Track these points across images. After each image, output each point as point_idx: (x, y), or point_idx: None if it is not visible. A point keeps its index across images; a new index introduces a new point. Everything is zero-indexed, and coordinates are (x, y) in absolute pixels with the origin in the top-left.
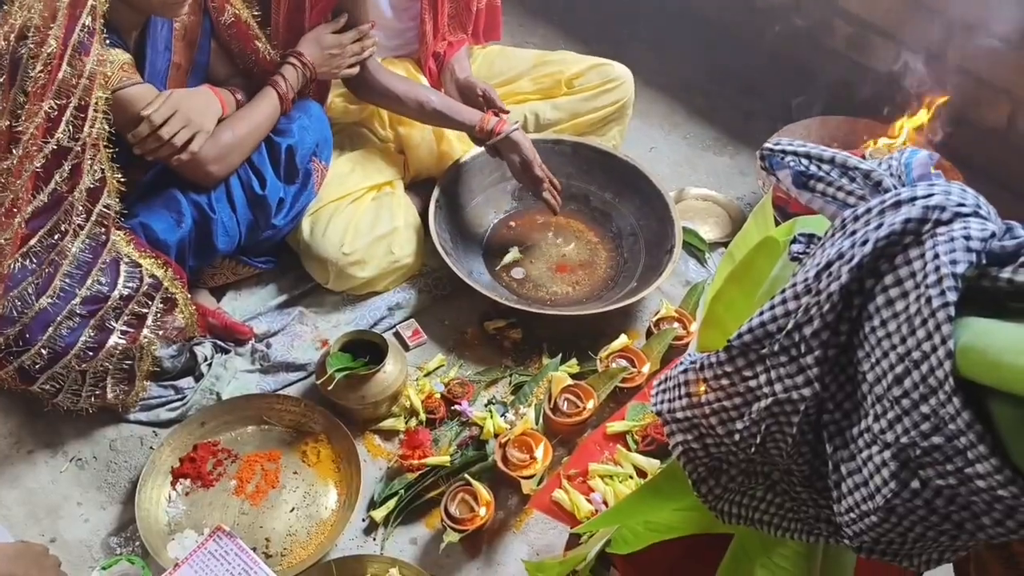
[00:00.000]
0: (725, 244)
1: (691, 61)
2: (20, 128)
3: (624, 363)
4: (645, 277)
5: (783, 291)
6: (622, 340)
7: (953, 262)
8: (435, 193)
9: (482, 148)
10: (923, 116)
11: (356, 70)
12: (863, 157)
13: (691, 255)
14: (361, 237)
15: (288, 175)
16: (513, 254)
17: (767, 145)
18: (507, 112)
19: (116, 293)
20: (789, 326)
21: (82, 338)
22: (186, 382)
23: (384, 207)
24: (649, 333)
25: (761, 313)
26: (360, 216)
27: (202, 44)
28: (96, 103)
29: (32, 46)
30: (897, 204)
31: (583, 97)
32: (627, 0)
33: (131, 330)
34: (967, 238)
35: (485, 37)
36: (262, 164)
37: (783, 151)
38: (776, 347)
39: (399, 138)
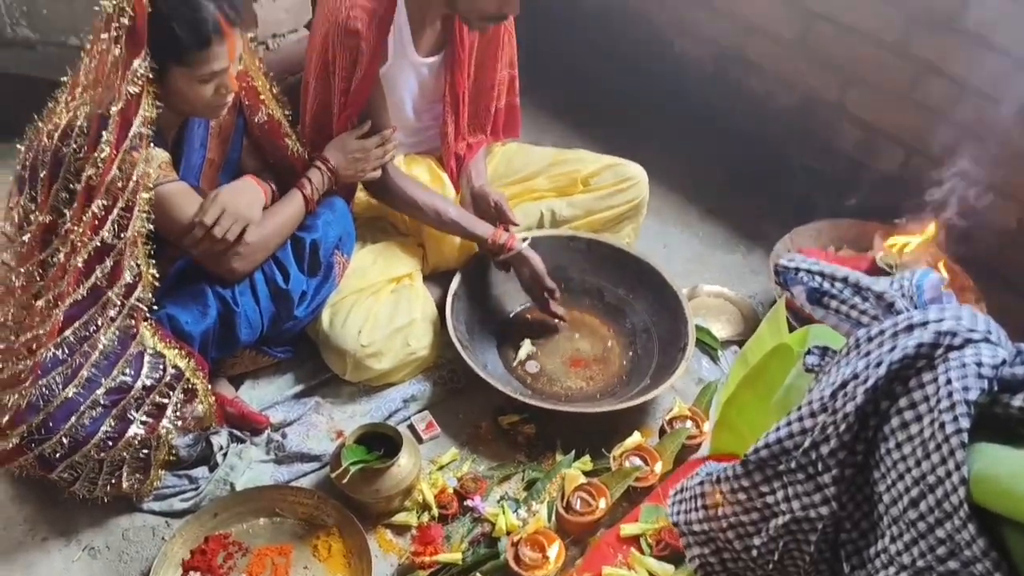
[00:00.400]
0: (738, 342)
1: (704, 160)
2: (67, 226)
3: (638, 462)
4: (658, 374)
5: (799, 408)
6: (635, 438)
7: (965, 388)
8: (452, 286)
9: None
10: (932, 226)
11: (379, 173)
12: (873, 261)
13: (704, 353)
14: (379, 329)
15: (311, 268)
16: (526, 348)
17: (781, 261)
18: (517, 224)
19: (139, 384)
20: (806, 444)
21: (103, 428)
22: (200, 471)
23: (403, 299)
24: (662, 431)
25: (778, 429)
26: (379, 308)
27: (235, 141)
28: (140, 203)
29: (75, 147)
30: (909, 327)
31: (598, 195)
32: (641, 100)
33: (151, 420)
34: (979, 364)
35: (504, 134)
36: (286, 258)
37: (797, 268)
38: (793, 464)
39: (419, 231)
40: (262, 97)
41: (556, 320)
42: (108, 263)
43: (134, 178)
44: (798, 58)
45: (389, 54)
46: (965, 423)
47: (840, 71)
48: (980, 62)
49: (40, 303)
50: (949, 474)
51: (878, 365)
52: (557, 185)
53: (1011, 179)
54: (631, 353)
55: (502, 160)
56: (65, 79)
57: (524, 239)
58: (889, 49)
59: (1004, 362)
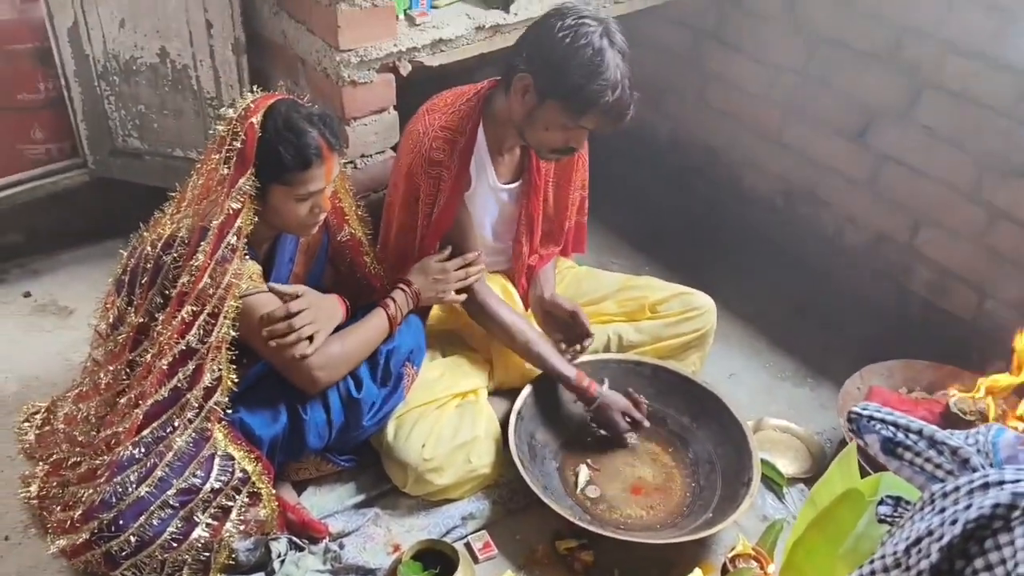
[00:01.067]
0: (804, 480)
1: (773, 291)
2: (158, 329)
3: None
4: (721, 508)
5: (872, 560)
6: (696, 574)
7: None
8: (517, 405)
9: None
10: (1008, 374)
11: (463, 296)
12: (947, 406)
13: (769, 489)
14: (442, 444)
15: (382, 378)
16: (584, 473)
17: (855, 409)
18: (592, 335)
19: (208, 485)
20: None
21: (170, 528)
22: None
23: (467, 415)
24: (724, 569)
25: None
26: (443, 423)
27: (319, 257)
28: (227, 310)
29: (175, 256)
30: (985, 486)
31: (665, 323)
32: (710, 231)
33: (215, 523)
34: None
35: (572, 250)
36: (360, 368)
37: (871, 416)
38: None
39: (488, 347)
40: (347, 217)
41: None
42: (191, 366)
43: (223, 286)
44: (868, 197)
45: (472, 180)
46: None
47: (911, 212)
48: None
49: (123, 401)
50: None
51: (953, 523)
52: (625, 310)
53: None
54: (694, 484)
55: (572, 283)
56: (173, 193)
57: (603, 384)
58: (961, 193)
59: None
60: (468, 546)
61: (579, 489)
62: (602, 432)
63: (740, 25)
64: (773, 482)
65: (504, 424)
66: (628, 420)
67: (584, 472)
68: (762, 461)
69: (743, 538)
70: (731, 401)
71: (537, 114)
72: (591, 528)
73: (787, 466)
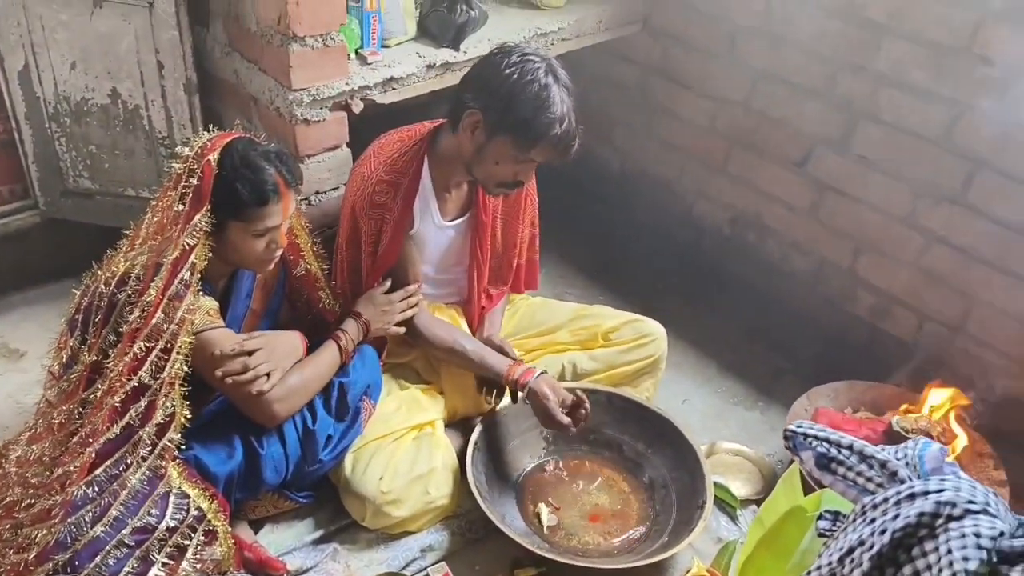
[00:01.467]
0: (756, 501)
1: (722, 318)
2: (108, 365)
3: None
4: (677, 531)
5: (808, 573)
6: None
7: (965, 558)
8: (473, 436)
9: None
10: (948, 392)
11: (403, 329)
12: (889, 425)
13: (723, 511)
14: (400, 476)
15: (339, 412)
16: (545, 514)
17: (790, 427)
18: (519, 362)
19: (164, 524)
20: None
21: (125, 568)
22: None
23: (424, 447)
24: None
25: None
26: (400, 455)
27: (277, 292)
28: (180, 346)
29: (129, 293)
30: (911, 496)
31: (618, 350)
32: (661, 259)
33: (171, 562)
34: (977, 535)
35: (525, 286)
36: (315, 400)
37: (804, 434)
38: None
39: (442, 379)
40: (303, 252)
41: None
42: (143, 403)
43: (175, 321)
44: (811, 224)
45: (415, 220)
46: None
47: (852, 238)
48: (984, 233)
49: (75, 439)
50: None
51: (882, 532)
52: (579, 339)
53: None
54: (650, 509)
55: (526, 314)
56: (127, 232)
57: (540, 371)
58: (898, 219)
59: (1002, 533)
60: None
61: (545, 528)
62: (561, 454)
63: (684, 61)
64: (727, 504)
65: (461, 455)
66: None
67: (545, 512)
68: (716, 484)
69: (698, 560)
70: (684, 426)
71: (487, 149)
72: (550, 556)
73: (740, 488)
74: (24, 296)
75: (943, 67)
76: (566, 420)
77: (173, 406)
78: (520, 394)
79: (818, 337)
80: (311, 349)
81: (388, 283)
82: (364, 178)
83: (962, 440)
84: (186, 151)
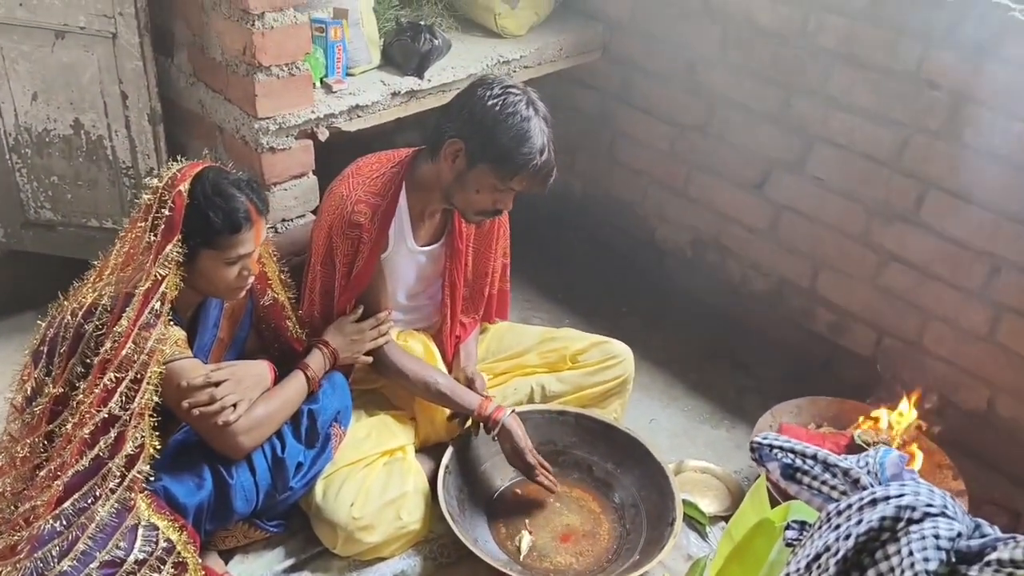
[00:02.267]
0: (725, 518)
1: (687, 338)
2: (78, 397)
3: None
4: (647, 550)
5: None
6: None
7: (926, 559)
8: (444, 460)
9: None
10: (904, 407)
11: (370, 359)
12: (851, 439)
13: (692, 528)
14: (371, 502)
15: (309, 439)
16: (526, 540)
17: (756, 439)
18: (490, 399)
19: (132, 557)
20: None
21: None
22: None
23: (395, 472)
24: None
25: None
26: (371, 481)
27: (243, 322)
28: (150, 376)
29: (97, 324)
30: (873, 502)
31: (586, 372)
32: (625, 282)
33: None
34: (936, 537)
35: (496, 315)
36: (283, 428)
37: (770, 445)
38: None
39: (411, 405)
40: (270, 281)
41: (546, 490)
42: (112, 434)
43: (146, 352)
44: (770, 245)
45: (390, 243)
46: None
47: (810, 257)
48: (936, 250)
49: (42, 473)
50: None
51: (847, 538)
52: (547, 361)
53: (978, 361)
54: (620, 528)
55: (494, 338)
56: (94, 262)
57: (510, 410)
58: (853, 238)
59: (960, 534)
60: None
61: (522, 556)
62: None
63: (643, 87)
64: (696, 521)
65: (432, 479)
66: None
67: (527, 539)
68: (684, 502)
69: None
70: (652, 446)
71: (467, 177)
72: None
73: (708, 505)
74: None
75: (892, 92)
76: (534, 460)
77: (142, 437)
78: (491, 431)
79: (780, 355)
80: (279, 378)
81: (359, 311)
82: (343, 197)
83: (918, 462)
84: (155, 182)
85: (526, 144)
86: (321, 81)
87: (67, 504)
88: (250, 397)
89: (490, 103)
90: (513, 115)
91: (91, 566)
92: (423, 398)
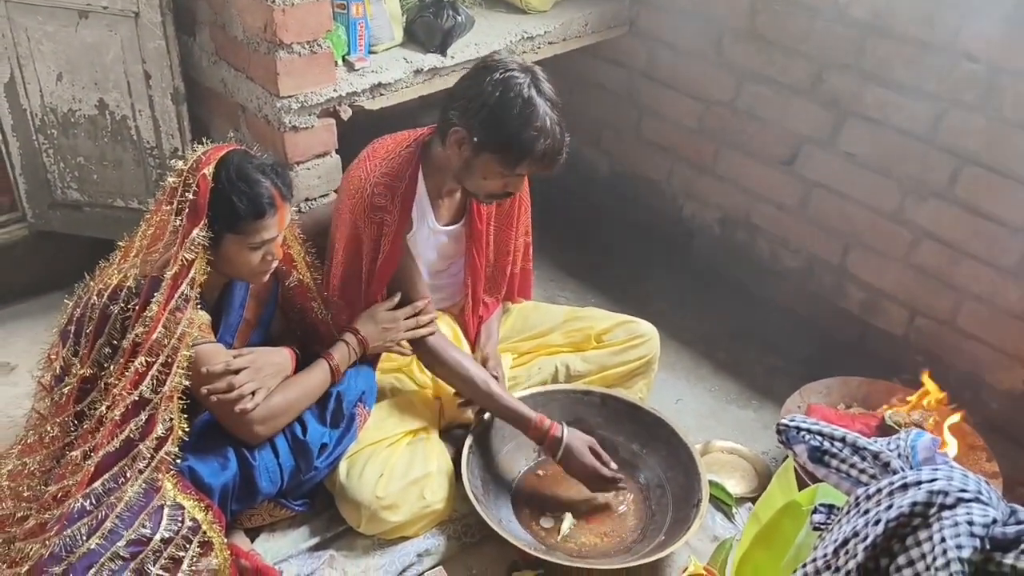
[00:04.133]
0: (752, 499)
1: (714, 318)
2: (110, 380)
3: None
4: (673, 530)
5: (804, 565)
6: None
7: (959, 547)
8: (468, 440)
9: None
10: (935, 390)
11: (408, 349)
12: (882, 419)
13: (718, 509)
14: (395, 481)
15: (334, 419)
16: (568, 521)
17: (783, 421)
18: (496, 377)
19: (158, 536)
20: None
21: None
22: None
23: (419, 452)
24: None
25: None
26: (395, 460)
27: (269, 303)
28: (180, 360)
29: (122, 306)
30: (904, 487)
31: (611, 351)
32: (651, 261)
33: (167, 574)
34: (970, 523)
35: (519, 295)
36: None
37: (798, 428)
38: None
39: (436, 386)
40: (295, 263)
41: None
42: (143, 416)
43: (176, 336)
44: (800, 222)
45: (413, 224)
46: None
47: (841, 235)
48: (972, 228)
49: (76, 454)
50: None
51: (876, 523)
52: (571, 341)
53: (1014, 340)
54: (645, 509)
55: (518, 317)
56: (120, 243)
57: (533, 395)
58: (886, 215)
59: (995, 521)
60: None
61: (560, 536)
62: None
63: (671, 62)
64: (722, 502)
65: (456, 459)
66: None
67: (568, 520)
68: (711, 483)
69: (694, 559)
70: (678, 426)
71: (474, 164)
72: (546, 558)
73: (735, 486)
74: (13, 310)
75: (927, 65)
76: (609, 473)
77: (171, 419)
78: (555, 452)
79: (809, 334)
80: (305, 361)
81: (395, 299)
82: (361, 180)
83: (952, 448)
84: (180, 164)
85: (530, 129)
86: (343, 59)
87: (97, 484)
88: (269, 386)
89: (491, 88)
90: (516, 99)
91: (118, 544)
92: (468, 395)
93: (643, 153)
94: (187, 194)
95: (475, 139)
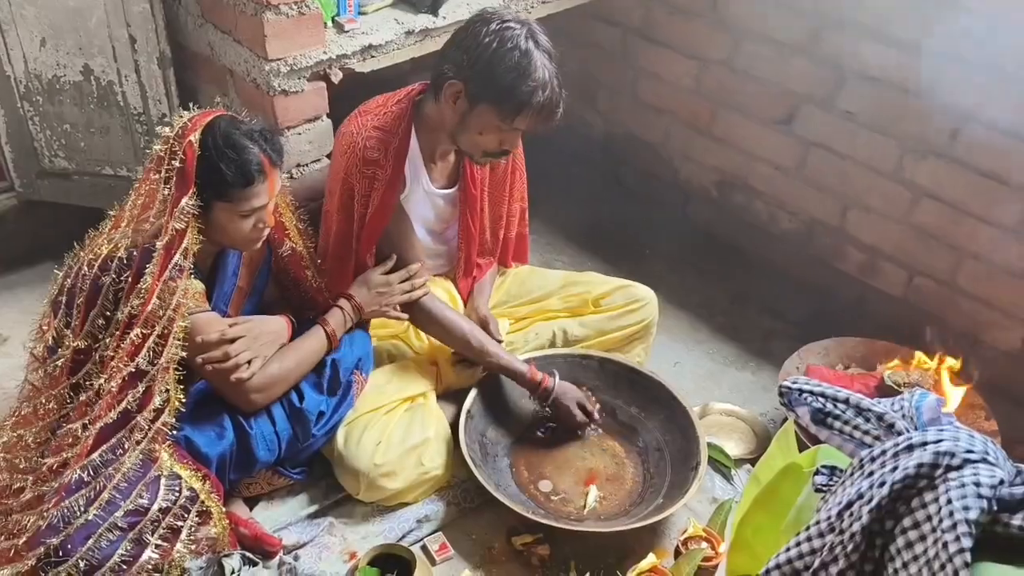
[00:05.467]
0: (751, 460)
1: (712, 280)
2: (107, 353)
3: None
4: (671, 493)
5: (808, 528)
6: (650, 560)
7: (966, 508)
8: (466, 405)
9: None
10: (937, 350)
11: (405, 316)
12: (881, 379)
13: (717, 471)
14: (393, 448)
15: (331, 387)
16: (593, 493)
17: (785, 383)
18: (500, 340)
19: (156, 506)
20: (815, 564)
21: (119, 551)
22: None
23: (416, 418)
24: (677, 552)
25: (787, 549)
26: (393, 427)
27: (262, 271)
28: (176, 331)
29: (114, 277)
30: (910, 448)
31: (609, 316)
32: (649, 224)
33: (165, 544)
34: (977, 484)
35: (514, 260)
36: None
37: (800, 389)
38: None
39: (433, 351)
40: (288, 231)
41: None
42: (140, 388)
43: (172, 307)
44: (798, 183)
45: (406, 184)
46: (967, 542)
47: (839, 196)
48: (972, 186)
49: (75, 426)
50: None
51: (881, 485)
52: (569, 306)
53: (1013, 299)
54: (644, 472)
55: (515, 282)
56: (110, 212)
57: (552, 374)
58: (885, 175)
59: (1002, 482)
60: (424, 548)
61: (586, 508)
62: (551, 425)
63: (666, 21)
64: (721, 464)
65: (454, 425)
66: (582, 410)
67: (593, 493)
68: (709, 445)
69: (694, 521)
70: (677, 389)
71: (470, 119)
72: (546, 522)
73: (734, 448)
74: (3, 281)
75: (927, 19)
76: (584, 420)
77: (168, 391)
78: (545, 400)
79: (808, 296)
80: (300, 329)
81: (389, 263)
82: (353, 135)
83: (954, 401)
84: (167, 131)
85: (527, 80)
86: (332, 20)
87: (95, 455)
88: (265, 354)
89: (487, 40)
90: (512, 50)
91: (116, 515)
92: (469, 356)
93: (639, 115)
94: (173, 162)
95: (471, 91)
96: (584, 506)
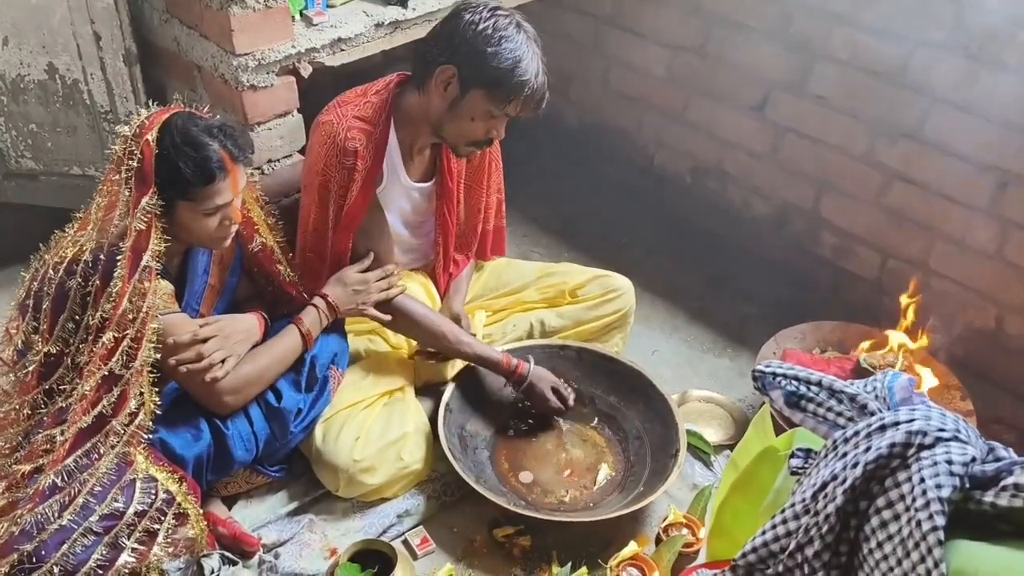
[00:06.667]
0: (730, 446)
1: (688, 267)
2: (80, 358)
3: (635, 572)
4: (652, 481)
5: (783, 511)
6: (632, 547)
7: (938, 486)
8: (444, 398)
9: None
10: (909, 326)
11: (386, 317)
12: (857, 362)
13: (697, 458)
14: (371, 444)
15: (308, 384)
16: (604, 472)
17: (758, 367)
18: (474, 335)
19: (132, 510)
20: (791, 546)
21: (94, 556)
22: None
23: (395, 413)
24: (658, 540)
25: (763, 532)
26: (371, 423)
27: (234, 267)
28: (149, 333)
29: (80, 281)
30: (882, 428)
31: (586, 306)
32: (624, 212)
33: (142, 547)
34: (949, 462)
35: (492, 253)
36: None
37: (773, 373)
38: (781, 568)
39: (410, 345)
40: (257, 227)
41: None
42: (115, 392)
43: (143, 309)
44: (772, 169)
45: (384, 177)
46: (940, 520)
47: (813, 180)
48: (942, 168)
49: (52, 432)
50: (929, 572)
51: (855, 466)
52: (546, 297)
53: (986, 279)
54: (624, 461)
55: (492, 274)
56: (76, 213)
57: (527, 359)
58: (856, 158)
59: (974, 459)
60: (406, 543)
61: (597, 487)
62: (532, 412)
63: (637, 10)
64: (701, 451)
65: (433, 419)
66: (556, 396)
67: (604, 470)
68: (688, 432)
69: (674, 507)
70: (655, 377)
71: (461, 105)
72: (527, 513)
73: (713, 435)
74: None
75: (895, 3)
76: (559, 405)
77: (143, 394)
78: (519, 387)
79: (783, 281)
80: (275, 327)
81: (368, 260)
82: (334, 124)
83: (928, 381)
84: (125, 130)
85: (521, 66)
86: (300, 14)
87: (69, 460)
88: (238, 352)
89: (481, 27)
90: (505, 38)
91: (91, 519)
92: (435, 347)
93: (612, 103)
94: (131, 162)
95: (464, 76)
96: (595, 483)
